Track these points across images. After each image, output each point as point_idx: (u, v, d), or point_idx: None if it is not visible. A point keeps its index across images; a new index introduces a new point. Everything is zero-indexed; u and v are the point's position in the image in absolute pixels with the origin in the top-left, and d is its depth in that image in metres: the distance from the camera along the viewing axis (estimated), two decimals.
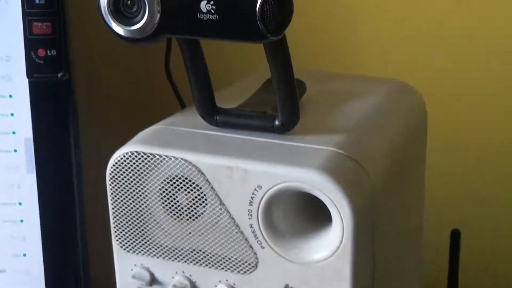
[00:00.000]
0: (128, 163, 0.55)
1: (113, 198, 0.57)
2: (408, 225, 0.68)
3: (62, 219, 0.76)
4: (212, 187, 0.53)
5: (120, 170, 0.56)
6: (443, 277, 0.78)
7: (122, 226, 0.57)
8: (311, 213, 0.54)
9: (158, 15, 0.52)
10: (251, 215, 0.53)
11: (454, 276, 0.78)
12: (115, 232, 0.58)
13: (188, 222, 0.55)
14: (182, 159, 0.54)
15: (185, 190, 0.54)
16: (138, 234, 0.57)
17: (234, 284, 0.55)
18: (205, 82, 0.57)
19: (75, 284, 0.77)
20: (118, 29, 0.53)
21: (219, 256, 0.55)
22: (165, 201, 0.55)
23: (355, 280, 0.52)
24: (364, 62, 0.91)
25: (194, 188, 0.54)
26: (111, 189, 0.56)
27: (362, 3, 0.90)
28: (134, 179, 0.56)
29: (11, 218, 0.76)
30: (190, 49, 0.56)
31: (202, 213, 0.55)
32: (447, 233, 0.77)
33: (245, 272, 0.55)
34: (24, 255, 0.77)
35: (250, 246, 0.54)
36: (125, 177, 0.56)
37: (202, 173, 0.53)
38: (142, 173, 0.55)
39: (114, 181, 0.56)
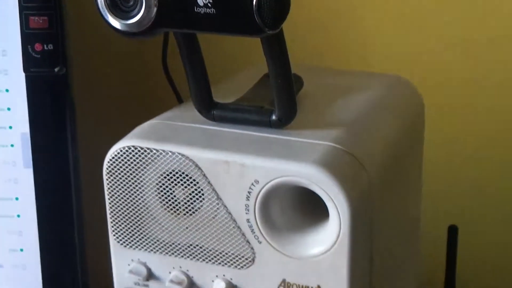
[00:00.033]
0: (125, 158, 0.55)
1: (110, 193, 0.57)
2: (405, 219, 0.68)
3: (59, 214, 0.76)
4: (209, 182, 0.53)
5: (117, 164, 0.55)
6: (440, 271, 0.78)
7: (119, 221, 0.57)
8: (308, 208, 0.54)
9: (155, 9, 0.52)
10: (248, 210, 0.53)
11: (451, 270, 0.78)
12: (112, 227, 0.58)
13: (185, 217, 0.55)
14: (179, 153, 0.54)
15: (182, 184, 0.54)
16: (135, 229, 0.57)
17: (231, 279, 0.55)
18: (202, 77, 0.57)
19: (72, 279, 0.77)
20: (115, 23, 0.53)
21: (216, 251, 0.55)
22: (162, 195, 0.55)
23: (352, 275, 0.52)
24: (365, 57, 0.91)
25: (191, 182, 0.54)
26: (108, 184, 0.56)
27: None
28: (131, 174, 0.55)
29: (8, 213, 0.76)
30: (187, 44, 0.56)
31: (199, 208, 0.54)
32: (444, 226, 0.77)
33: (242, 267, 0.55)
34: (21, 250, 0.77)
35: (247, 241, 0.54)
36: (122, 171, 0.56)
37: (199, 168, 0.53)
38: (139, 167, 0.55)
39: (111, 176, 0.56)
